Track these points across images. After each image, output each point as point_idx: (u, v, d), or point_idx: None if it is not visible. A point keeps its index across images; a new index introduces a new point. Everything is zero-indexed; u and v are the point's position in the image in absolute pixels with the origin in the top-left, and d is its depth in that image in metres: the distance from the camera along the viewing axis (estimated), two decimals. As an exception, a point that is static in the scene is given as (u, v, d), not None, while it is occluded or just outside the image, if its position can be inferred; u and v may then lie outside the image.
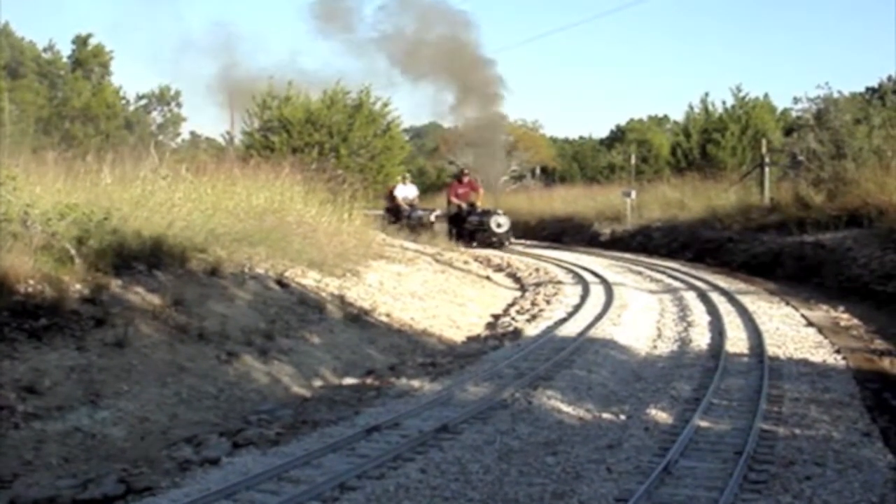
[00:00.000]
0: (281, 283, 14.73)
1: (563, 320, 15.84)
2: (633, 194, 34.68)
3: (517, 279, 23.07)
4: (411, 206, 35.27)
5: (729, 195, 31.35)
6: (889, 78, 37.09)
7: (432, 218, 34.13)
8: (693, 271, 22.90)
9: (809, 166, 27.57)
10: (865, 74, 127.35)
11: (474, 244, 31.08)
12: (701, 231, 28.60)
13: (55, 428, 8.74)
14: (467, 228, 32.59)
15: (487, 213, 32.30)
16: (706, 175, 36.06)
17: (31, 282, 10.55)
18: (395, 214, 34.59)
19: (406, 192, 35.68)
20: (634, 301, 17.84)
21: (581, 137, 69.71)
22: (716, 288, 19.41)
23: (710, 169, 38.05)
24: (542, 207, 42.05)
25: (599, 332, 14.44)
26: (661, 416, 9.84)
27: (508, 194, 47.05)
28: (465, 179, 34.72)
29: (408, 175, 38.56)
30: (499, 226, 31.66)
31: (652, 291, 19.60)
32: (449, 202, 34.44)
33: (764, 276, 21.76)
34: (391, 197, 35.56)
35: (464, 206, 33.27)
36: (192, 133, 58.90)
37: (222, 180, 17.99)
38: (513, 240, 32.55)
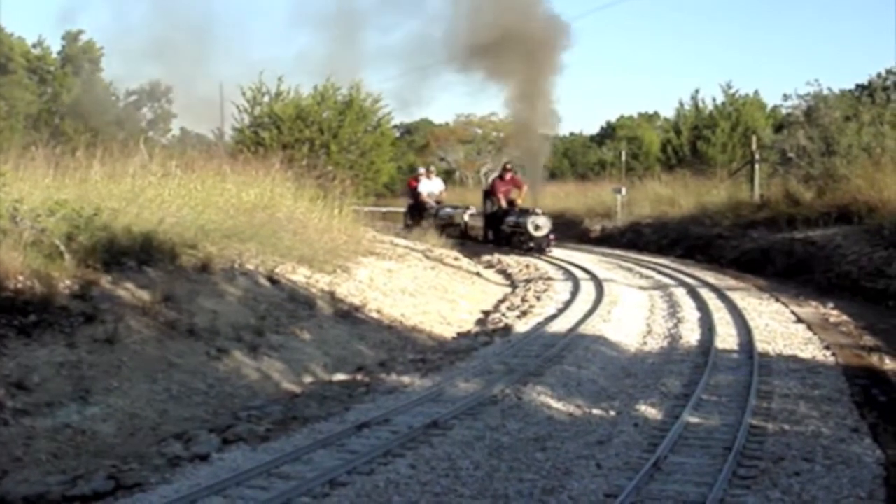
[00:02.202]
0: (271, 279, 14.71)
1: (554, 317, 15.85)
2: (624, 191, 34.70)
3: (507, 275, 23.08)
4: (438, 202, 32.93)
5: (719, 192, 31.46)
6: (879, 75, 37.09)
7: (466, 217, 31.80)
8: (683, 268, 22.95)
9: (799, 163, 27.66)
10: (855, 71, 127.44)
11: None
12: (691, 227, 28.67)
13: (44, 424, 8.72)
14: (504, 231, 28.91)
15: (525, 213, 28.10)
16: (696, 172, 36.14)
17: (21, 278, 10.52)
18: (419, 213, 32.27)
19: (431, 186, 33.33)
20: (624, 297, 17.86)
21: (572, 134, 69.63)
22: (706, 284, 19.44)
23: (701, 166, 38.10)
24: (532, 204, 41.94)
25: (589, 328, 14.45)
26: (650, 412, 9.86)
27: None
28: (508, 175, 30.28)
29: (433, 167, 36.09)
30: (537, 228, 27.27)
31: (642, 288, 19.62)
32: (485, 200, 30.90)
33: (754, 273, 21.81)
34: (413, 193, 33.19)
35: (503, 204, 29.45)
36: (183, 129, 58.77)
37: (212, 176, 17.95)
38: (555, 243, 28.02)
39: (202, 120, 64.06)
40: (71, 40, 52.37)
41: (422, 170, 34.94)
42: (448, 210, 32.23)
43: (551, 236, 27.73)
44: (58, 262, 11.28)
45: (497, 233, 29.36)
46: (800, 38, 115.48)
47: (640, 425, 9.35)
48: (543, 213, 27.88)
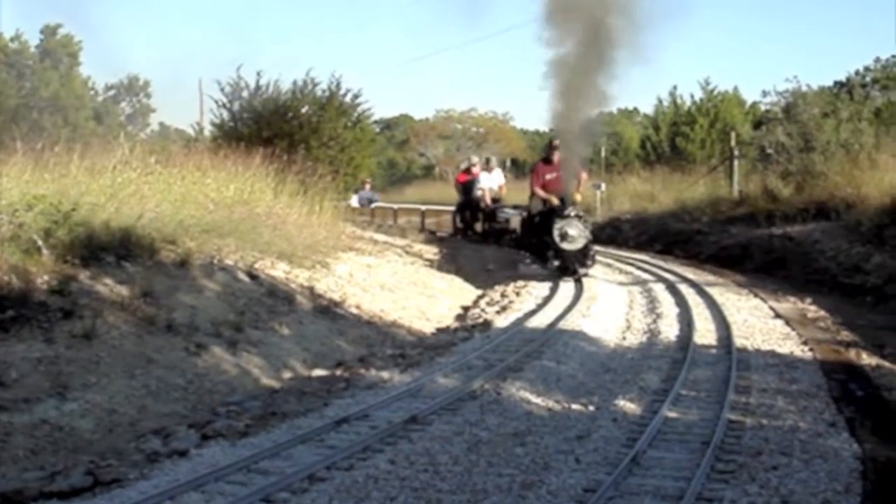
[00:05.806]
0: (250, 274, 14.68)
1: (533, 312, 15.85)
2: (603, 187, 34.71)
3: (488, 271, 23.04)
4: (494, 200, 26.65)
5: (698, 188, 31.57)
6: (857, 72, 37.44)
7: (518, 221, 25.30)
8: (662, 263, 22.97)
9: (778, 159, 27.78)
10: (834, 68, 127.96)
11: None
12: (670, 223, 28.72)
13: (22, 420, 8.67)
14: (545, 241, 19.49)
15: (557, 218, 19.17)
16: (675, 168, 36.27)
17: (-2, 273, 10.47)
18: (472, 214, 26.89)
19: (491, 181, 26.82)
20: (604, 293, 17.86)
21: (552, 129, 69.67)
22: (685, 280, 19.47)
23: (680, 162, 38.22)
24: (513, 199, 41.86)
25: (569, 323, 14.46)
26: (629, 406, 9.89)
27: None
28: (556, 158, 20.90)
29: (492, 158, 29.64)
30: (564, 237, 18.83)
31: (621, 283, 19.63)
32: (532, 196, 21.67)
33: (732, 268, 21.86)
34: (466, 188, 27.12)
35: (553, 201, 20.04)
36: (162, 124, 58.65)
37: (192, 171, 17.89)
38: (594, 262, 19.82)
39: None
40: (49, 34, 52.14)
41: (475, 159, 28.65)
42: (507, 212, 25.37)
43: (590, 251, 19.41)
44: (35, 258, 11.22)
45: (539, 242, 20.46)
46: (778, 34, 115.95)
47: (618, 420, 9.37)
48: (578, 216, 19.33)
